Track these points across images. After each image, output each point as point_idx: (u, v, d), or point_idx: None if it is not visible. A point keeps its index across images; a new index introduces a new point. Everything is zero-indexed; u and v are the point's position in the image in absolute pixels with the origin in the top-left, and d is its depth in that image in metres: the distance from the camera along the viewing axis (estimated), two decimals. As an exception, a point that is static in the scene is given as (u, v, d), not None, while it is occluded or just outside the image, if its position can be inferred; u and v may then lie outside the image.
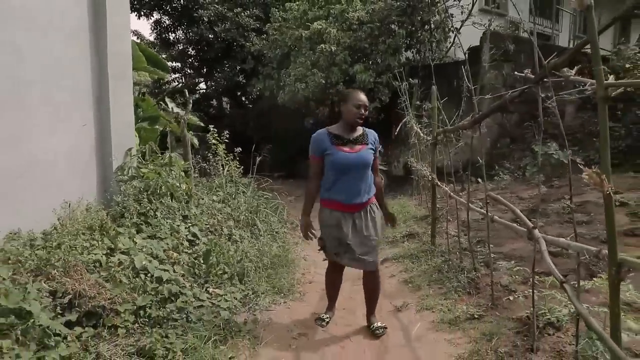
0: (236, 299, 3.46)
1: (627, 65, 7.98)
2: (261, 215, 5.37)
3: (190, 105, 5.76)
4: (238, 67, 14.04)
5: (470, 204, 3.54)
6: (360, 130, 3.03)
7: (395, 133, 7.74)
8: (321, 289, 4.01)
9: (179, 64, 15.84)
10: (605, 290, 2.30)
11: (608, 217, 1.57)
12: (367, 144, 2.99)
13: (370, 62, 9.64)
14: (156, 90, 12.91)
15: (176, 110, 6.52)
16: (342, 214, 2.97)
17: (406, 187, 8.61)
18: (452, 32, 10.26)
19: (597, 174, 1.54)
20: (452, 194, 4.05)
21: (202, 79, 16.44)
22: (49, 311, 2.54)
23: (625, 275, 1.55)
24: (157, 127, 6.23)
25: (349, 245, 2.95)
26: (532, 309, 2.49)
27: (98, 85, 4.23)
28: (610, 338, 1.53)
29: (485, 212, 3.11)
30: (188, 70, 16.09)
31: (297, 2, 11.11)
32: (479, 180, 7.30)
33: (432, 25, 10.13)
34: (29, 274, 2.70)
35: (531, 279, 2.51)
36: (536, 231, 2.26)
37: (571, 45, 14.48)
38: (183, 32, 14.72)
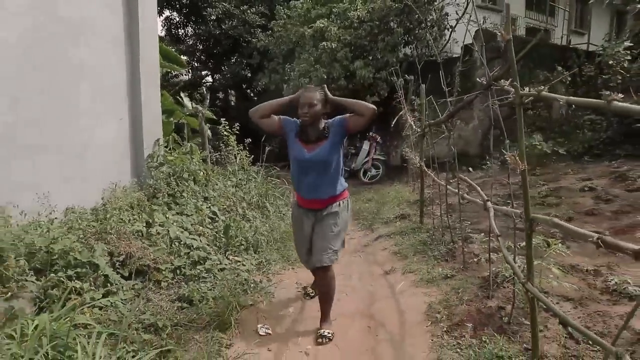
0: (252, 264, 4.16)
1: (610, 62, 8.60)
2: (270, 199, 6.06)
3: (208, 100, 6.44)
4: (244, 62, 14.66)
5: (448, 187, 4.21)
6: (323, 124, 2.93)
7: (392, 125, 8.38)
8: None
9: (186, 58, 16.50)
10: (541, 249, 2.97)
11: (524, 187, 2.23)
12: (328, 137, 2.89)
13: (370, 59, 10.24)
14: (165, 84, 13.57)
15: (194, 105, 7.19)
16: (305, 212, 3.06)
17: (402, 175, 9.27)
18: (448, 29, 10.86)
19: (514, 156, 2.20)
20: (435, 179, 4.72)
21: (209, 73, 17.11)
22: (109, 266, 3.24)
23: (535, 227, 2.22)
24: (172, 119, 6.91)
25: (310, 247, 3.04)
26: (492, 268, 3.17)
27: (131, 83, 4.89)
28: (521, 273, 2.20)
29: (458, 192, 3.77)
30: (196, 64, 16.75)
31: (301, 0, 11.72)
32: (470, 169, 7.95)
33: (429, 24, 10.72)
34: (91, 238, 3.39)
35: (488, 243, 3.19)
36: (489, 203, 2.93)
37: (564, 41, 15.05)
38: (192, 28, 15.33)
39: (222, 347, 2.76)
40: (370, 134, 10.28)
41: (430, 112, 5.44)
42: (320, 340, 2.90)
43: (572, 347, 2.40)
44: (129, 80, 4.87)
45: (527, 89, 2.20)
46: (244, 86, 16.97)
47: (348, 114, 2.92)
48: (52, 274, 2.87)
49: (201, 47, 15.88)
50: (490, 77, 2.60)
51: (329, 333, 2.95)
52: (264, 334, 2.98)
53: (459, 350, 2.54)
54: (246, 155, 6.71)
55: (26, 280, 2.76)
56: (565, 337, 2.47)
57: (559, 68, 10.10)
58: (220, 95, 17.38)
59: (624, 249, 1.45)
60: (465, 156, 9.21)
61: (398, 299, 3.50)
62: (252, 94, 17.33)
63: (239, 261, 4.14)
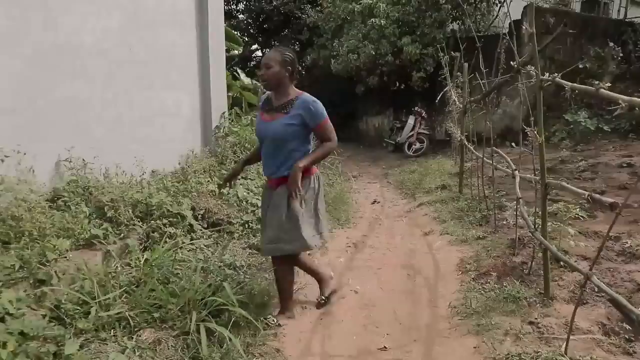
0: (307, 223, 4.78)
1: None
2: (320, 168, 6.64)
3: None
4: (294, 38, 15.12)
5: (486, 160, 4.63)
6: (291, 96, 2.63)
7: (437, 101, 8.71)
8: (368, 222, 5.29)
9: (237, 33, 17.12)
10: (561, 211, 3.40)
11: (540, 157, 2.68)
12: (288, 113, 2.59)
13: (418, 34, 10.47)
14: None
15: (252, 80, 7.81)
16: (266, 188, 2.87)
17: (446, 149, 9.63)
18: (497, 4, 10.90)
19: (534, 131, 2.64)
20: (474, 151, 5.14)
21: (259, 47, 17.70)
22: (193, 218, 3.93)
23: (550, 191, 2.68)
24: (230, 94, 7.56)
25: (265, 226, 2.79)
26: (519, 231, 3.63)
27: (201, 59, 5.52)
28: (531, 224, 2.68)
29: (492, 163, 4.21)
30: (246, 39, 17.36)
31: (351, -24, 11.97)
32: (513, 144, 8.20)
33: (477, -1, 10.80)
34: (178, 195, 4.08)
35: (516, 208, 3.63)
36: (516, 172, 3.38)
37: (622, 15, 14.56)
38: (244, 4, 15.88)
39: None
40: (416, 108, 10.61)
41: (473, 88, 5.78)
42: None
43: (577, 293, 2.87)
44: (199, 59, 5.50)
45: (547, 74, 2.62)
46: (293, 60, 17.45)
47: (322, 121, 2.62)
48: (152, 221, 3.58)
49: (252, 22, 16.44)
50: (519, 62, 3.02)
51: (278, 321, 2.81)
52: (320, 276, 3.60)
53: (483, 292, 3.06)
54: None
55: (134, 225, 3.48)
56: (576, 286, 2.94)
57: (611, 44, 9.99)
58: (269, 69, 17.93)
59: (604, 202, 1.93)
60: (510, 132, 9.42)
61: (434, 254, 4.04)
62: (300, 68, 17.80)
63: (296, 220, 4.76)
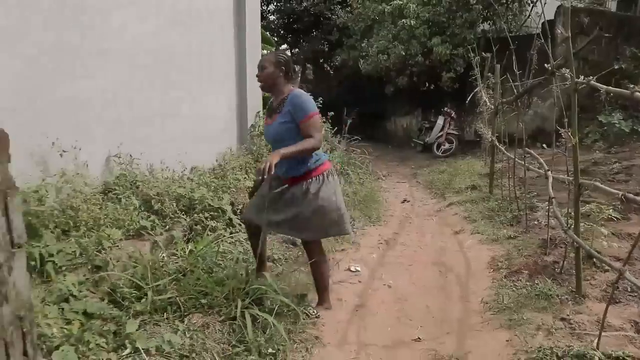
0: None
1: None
2: (351, 167, 6.77)
3: (299, 77, 7.17)
4: (323, 38, 15.28)
5: (517, 160, 4.67)
6: (285, 94, 2.68)
7: (467, 101, 8.72)
8: (399, 220, 5.39)
9: (267, 33, 17.41)
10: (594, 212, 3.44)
11: (574, 158, 2.75)
12: (281, 112, 2.65)
13: (448, 35, 10.47)
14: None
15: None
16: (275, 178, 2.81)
17: (476, 150, 9.62)
18: (529, 4, 10.80)
19: (568, 132, 2.71)
20: (505, 152, 5.18)
21: (288, 47, 17.94)
22: (232, 212, 4.11)
23: (583, 191, 2.74)
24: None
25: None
26: (552, 231, 3.68)
27: (238, 61, 5.72)
28: (564, 222, 2.74)
29: (524, 164, 4.26)
30: (275, 39, 17.62)
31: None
32: (544, 145, 8.15)
33: (509, -1, 10.73)
34: (218, 190, 4.28)
35: (548, 208, 3.68)
36: (549, 172, 3.44)
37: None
38: (274, 5, 16.13)
39: (322, 277, 3.54)
40: (445, 109, 10.62)
41: (505, 90, 5.80)
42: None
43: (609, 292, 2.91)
44: (236, 59, 5.70)
45: (582, 77, 2.68)
46: (321, 60, 17.62)
47: (306, 115, 2.60)
48: (194, 215, 3.78)
49: (282, 23, 16.68)
50: (553, 65, 3.08)
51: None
52: (354, 270, 3.73)
53: (514, 289, 3.13)
54: (329, 127, 7.42)
55: (178, 217, 3.68)
56: (608, 285, 2.98)
57: (649, 44, 9.79)
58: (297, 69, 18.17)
59: (638, 201, 2.00)
60: (541, 133, 9.34)
61: (465, 252, 4.11)
62: (329, 69, 17.97)
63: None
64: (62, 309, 2.36)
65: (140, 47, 4.22)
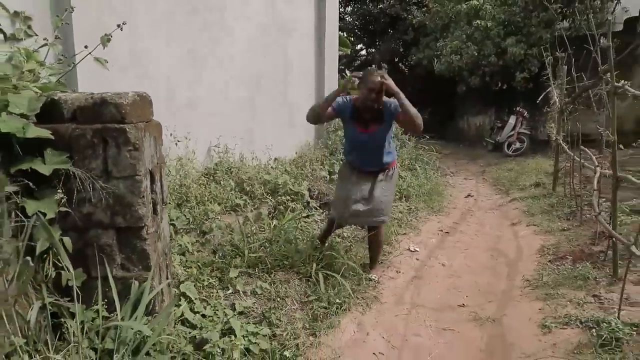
0: (404, 209, 5.41)
1: None
2: (419, 162, 7.21)
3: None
4: (399, 38, 15.65)
5: (577, 158, 4.91)
6: (381, 105, 3.04)
7: (539, 101, 8.78)
8: (461, 212, 5.80)
9: (344, 34, 18.06)
10: None
11: (613, 153, 3.07)
12: (384, 121, 3.08)
13: (523, 34, 10.46)
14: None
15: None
16: (358, 171, 3.36)
17: (546, 149, 9.62)
18: (612, 1, 10.50)
19: (607, 132, 3.05)
20: (567, 150, 5.39)
21: (363, 47, 18.48)
22: (309, 197, 4.77)
23: (620, 183, 3.06)
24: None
25: (356, 201, 3.30)
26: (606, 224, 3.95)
27: (317, 63, 6.39)
28: (597, 207, 3.08)
29: (580, 161, 4.52)
30: (351, 39, 18.22)
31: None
32: (621, 146, 8.03)
33: (591, -4, 10.49)
34: (298, 177, 4.96)
35: (592, 197, 3.96)
36: (597, 168, 3.74)
37: None
38: (352, 7, 16.73)
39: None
40: (518, 109, 10.65)
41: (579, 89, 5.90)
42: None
43: (645, 275, 3.21)
44: (316, 63, 6.37)
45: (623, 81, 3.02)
46: (396, 60, 17.97)
47: (401, 110, 2.98)
48: (278, 197, 4.48)
49: (359, 24, 17.24)
50: (601, 70, 3.40)
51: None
52: (413, 250, 4.25)
53: (557, 271, 3.50)
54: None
55: (265, 198, 4.40)
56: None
57: None
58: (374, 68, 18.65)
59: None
60: (618, 133, 9.13)
61: (519, 241, 4.48)
62: (404, 67, 18.28)
63: (395, 205, 5.42)
64: (183, 259, 3.13)
65: (242, 54, 5.02)
